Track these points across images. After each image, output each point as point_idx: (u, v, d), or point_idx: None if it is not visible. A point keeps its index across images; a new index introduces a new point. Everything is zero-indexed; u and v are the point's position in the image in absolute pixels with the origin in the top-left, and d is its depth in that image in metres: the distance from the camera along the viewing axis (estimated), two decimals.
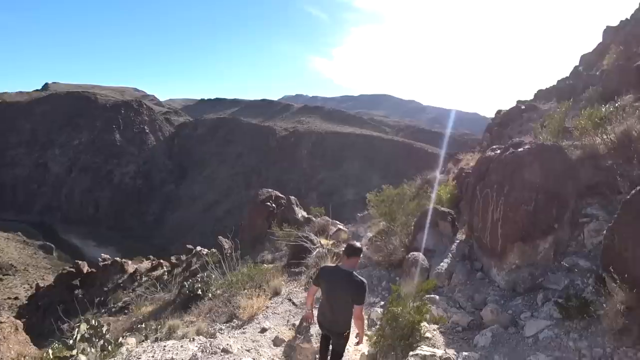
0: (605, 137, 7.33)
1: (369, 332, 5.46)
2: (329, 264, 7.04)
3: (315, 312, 4.44)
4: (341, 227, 13.95)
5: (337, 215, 15.63)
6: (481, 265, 7.26)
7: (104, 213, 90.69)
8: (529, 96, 21.19)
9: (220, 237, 18.04)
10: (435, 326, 5.77)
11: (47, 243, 67.32)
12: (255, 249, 15.17)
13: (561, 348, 4.50)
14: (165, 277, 18.94)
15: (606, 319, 4.21)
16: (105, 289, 21.82)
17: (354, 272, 3.87)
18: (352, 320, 3.92)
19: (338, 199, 67.45)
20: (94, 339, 6.50)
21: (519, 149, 7.10)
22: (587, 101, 10.43)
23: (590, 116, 7.92)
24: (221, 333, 6.84)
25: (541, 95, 19.56)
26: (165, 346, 5.75)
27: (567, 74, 20.49)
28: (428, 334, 5.26)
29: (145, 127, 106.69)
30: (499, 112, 20.22)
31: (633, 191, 4.63)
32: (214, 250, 16.68)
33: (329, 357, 4.32)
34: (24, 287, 42.22)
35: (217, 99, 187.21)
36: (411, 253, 7.97)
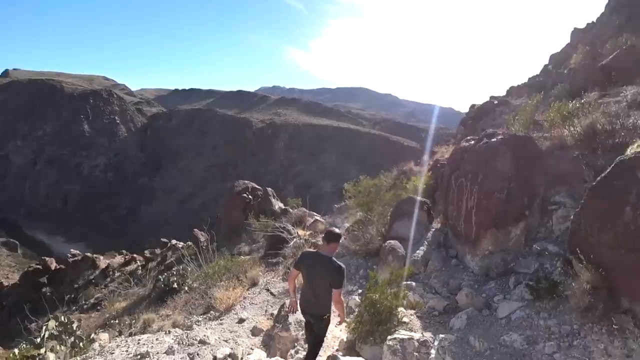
0: (572, 129, 7.66)
1: (347, 320, 5.51)
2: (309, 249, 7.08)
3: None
4: (318, 218, 13.97)
5: (314, 207, 15.66)
6: (456, 253, 7.46)
7: (73, 207, 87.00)
8: (501, 92, 21.93)
9: (196, 229, 17.73)
10: (412, 311, 5.90)
11: (11, 240, 63.92)
12: (231, 241, 15.00)
13: (532, 327, 4.71)
14: (140, 271, 18.43)
15: (573, 298, 4.43)
16: (76, 285, 21.00)
17: (333, 258, 3.97)
18: (332, 304, 4.00)
19: (315, 191, 67.66)
20: (63, 336, 6.26)
21: (493, 140, 7.28)
22: (555, 97, 10.89)
23: (559, 109, 8.27)
24: (198, 325, 6.75)
25: (513, 91, 20.28)
26: (139, 340, 5.60)
27: (538, 72, 21.31)
28: (405, 319, 5.37)
29: (116, 118, 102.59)
30: (473, 106, 20.78)
31: (599, 178, 4.84)
32: (189, 243, 16.37)
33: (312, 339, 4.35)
34: None
35: (191, 90, 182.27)
36: (388, 241, 8.08)
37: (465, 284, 6.26)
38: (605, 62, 11.45)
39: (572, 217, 5.33)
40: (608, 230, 4.43)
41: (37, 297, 20.10)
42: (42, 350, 5.38)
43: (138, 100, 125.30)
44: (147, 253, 22.79)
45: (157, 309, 9.35)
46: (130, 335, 6.76)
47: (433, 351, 4.57)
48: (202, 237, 15.83)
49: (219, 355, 4.70)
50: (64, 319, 7.06)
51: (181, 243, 18.77)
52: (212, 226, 14.79)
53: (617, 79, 9.90)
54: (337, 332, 5.84)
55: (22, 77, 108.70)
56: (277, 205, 16.36)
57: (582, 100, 8.51)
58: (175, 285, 10.54)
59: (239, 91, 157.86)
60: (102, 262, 22.91)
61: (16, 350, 5.13)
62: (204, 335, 5.48)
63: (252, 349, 5.38)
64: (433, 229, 8.54)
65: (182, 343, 5.32)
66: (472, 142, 8.06)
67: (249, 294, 8.00)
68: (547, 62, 21.46)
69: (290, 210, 15.20)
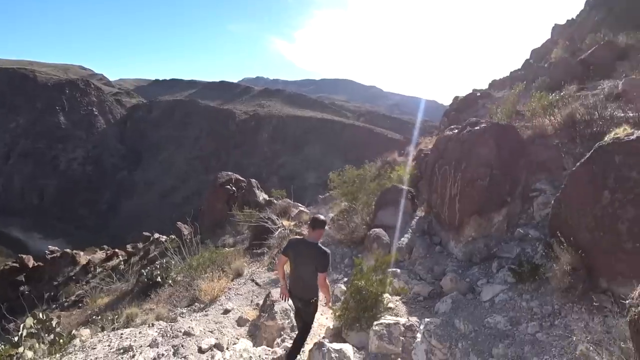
0: (552, 119, 7.83)
1: (333, 307, 5.53)
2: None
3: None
4: (303, 208, 13.92)
5: (299, 199, 15.59)
6: (440, 240, 7.57)
7: (50, 202, 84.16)
8: (484, 86, 22.26)
9: (179, 222, 17.45)
10: (398, 297, 5.96)
11: None
12: (215, 234, 14.84)
13: (515, 308, 4.83)
14: (122, 266, 18.08)
15: (554, 280, 4.55)
16: (55, 283, 20.44)
17: (319, 244, 4.10)
18: (319, 288, 4.12)
19: (300, 183, 67.52)
20: (42, 334, 6.10)
21: (476, 128, 7.38)
22: (536, 90, 11.13)
23: (540, 99, 8.46)
24: (182, 317, 6.65)
25: (495, 84, 20.62)
26: (122, 334, 5.49)
27: (519, 66, 21.69)
28: (391, 305, 5.42)
29: (94, 109, 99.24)
30: (456, 98, 21.01)
31: (578, 163, 4.96)
32: (173, 236, 16.11)
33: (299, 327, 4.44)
34: None
35: (172, 80, 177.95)
36: (373, 230, 8.13)
37: (449, 270, 6.37)
38: (584, 56, 11.77)
39: (552, 202, 5.46)
40: (587, 214, 4.55)
41: (14, 296, 19.45)
42: (20, 349, 5.22)
43: (117, 91, 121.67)
44: (129, 248, 22.33)
45: (140, 304, 9.18)
46: (113, 330, 6.62)
47: (419, 335, 4.63)
48: (185, 230, 15.58)
49: (204, 346, 4.64)
50: (42, 316, 6.86)
51: (164, 237, 18.46)
52: (195, 219, 14.58)
53: (595, 73, 10.18)
54: (323, 320, 5.85)
55: None
56: (262, 196, 16.22)
57: (562, 93, 8.71)
58: (158, 279, 10.36)
59: (222, 82, 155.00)
60: (83, 258, 22.34)
61: None
62: (189, 327, 5.40)
63: (238, 339, 5.34)
64: (417, 217, 8.64)
65: (166, 335, 5.23)
66: (456, 130, 8.14)
67: (233, 284, 7.93)
68: (528, 57, 21.89)
69: (275, 201, 15.10)
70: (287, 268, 4.54)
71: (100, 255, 23.04)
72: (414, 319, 5.04)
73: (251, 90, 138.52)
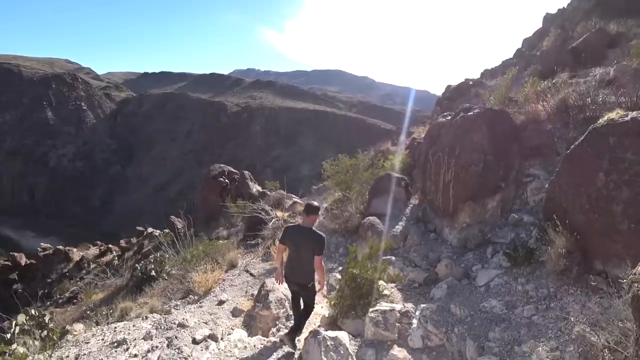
0: (545, 104, 7.82)
1: (328, 296, 5.51)
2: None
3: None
4: (296, 199, 13.85)
5: (292, 190, 15.49)
6: (434, 227, 7.56)
7: (42, 200, 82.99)
8: (476, 75, 22.20)
9: (172, 216, 17.31)
10: (393, 284, 5.94)
11: None
12: (209, 226, 14.75)
13: (510, 292, 4.84)
14: (116, 262, 17.94)
15: (549, 263, 4.55)
16: (49, 280, 20.24)
17: (314, 228, 4.24)
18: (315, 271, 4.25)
19: (293, 174, 67.27)
20: (35, 330, 6.04)
21: (469, 113, 7.33)
22: (528, 77, 11.13)
23: (533, 84, 8.44)
24: (176, 309, 6.60)
25: (487, 74, 20.60)
26: (116, 327, 5.44)
27: (511, 56, 21.66)
28: (386, 292, 5.39)
29: (82, 104, 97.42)
30: (448, 87, 20.95)
31: (572, 146, 4.93)
32: (167, 230, 15.99)
33: (301, 309, 4.57)
34: None
35: (162, 73, 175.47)
36: (367, 218, 8.09)
37: (444, 256, 6.36)
38: (575, 44, 11.77)
39: (547, 186, 5.44)
40: (582, 196, 4.54)
41: (7, 294, 19.23)
42: (13, 347, 5.15)
43: (106, 85, 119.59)
44: (123, 243, 22.15)
45: (135, 298, 9.11)
46: (108, 324, 6.55)
47: (415, 321, 4.62)
48: (179, 224, 15.48)
49: (198, 337, 4.59)
50: (35, 313, 6.77)
51: (158, 231, 18.33)
52: (189, 212, 14.45)
53: (586, 61, 10.19)
54: (318, 309, 5.82)
55: None
56: (255, 188, 16.10)
57: (554, 80, 8.71)
58: (153, 273, 10.31)
59: (212, 74, 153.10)
60: (76, 254, 22.11)
61: None
62: (183, 319, 5.35)
63: (233, 329, 5.29)
64: (411, 205, 8.62)
65: (160, 327, 5.18)
66: (449, 117, 8.10)
67: (228, 276, 7.86)
68: (520, 46, 21.90)
69: (269, 193, 14.99)
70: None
71: (93, 251, 22.83)
72: (409, 305, 5.03)
73: (242, 82, 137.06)
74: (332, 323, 5.16)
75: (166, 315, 5.68)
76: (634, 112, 4.43)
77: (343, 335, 4.32)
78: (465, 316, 4.60)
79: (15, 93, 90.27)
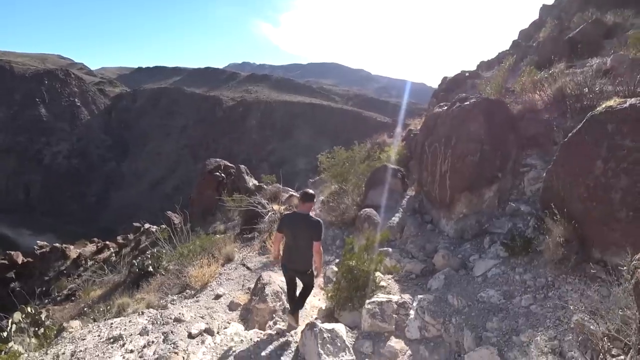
0: (542, 93, 7.77)
1: (325, 289, 5.47)
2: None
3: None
4: (293, 193, 13.79)
5: (289, 184, 15.41)
6: (431, 218, 7.52)
7: (37, 198, 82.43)
8: (472, 67, 22.04)
9: (169, 212, 17.23)
10: (390, 276, 5.92)
11: None
12: (206, 221, 14.69)
13: (508, 282, 4.81)
14: (113, 258, 17.89)
15: (547, 252, 4.53)
16: (47, 278, 20.16)
17: (310, 214, 4.28)
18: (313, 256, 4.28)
19: (290, 168, 67.10)
20: (32, 328, 6.02)
21: (466, 103, 7.25)
22: (525, 67, 11.07)
23: (530, 73, 8.38)
24: (173, 304, 6.56)
25: (483, 65, 20.47)
26: (112, 323, 5.41)
27: (507, 47, 21.51)
28: (383, 283, 5.37)
29: (76, 100, 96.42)
30: (445, 78, 20.82)
31: (570, 134, 4.88)
32: (163, 225, 15.92)
33: (297, 295, 4.65)
34: None
35: (156, 67, 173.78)
36: (363, 210, 8.05)
37: (441, 247, 6.33)
38: (572, 35, 11.71)
39: (544, 174, 5.40)
40: (580, 184, 4.50)
41: (4, 293, 19.15)
42: (10, 344, 5.12)
43: (99, 80, 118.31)
44: (120, 239, 22.06)
45: (132, 294, 9.09)
46: (104, 320, 6.52)
47: (412, 312, 4.59)
48: (175, 219, 15.39)
49: (194, 331, 4.56)
50: (31, 310, 6.72)
51: (155, 227, 18.25)
52: (185, 207, 14.39)
53: (583, 51, 10.14)
54: (315, 302, 5.80)
55: None
56: (251, 182, 16.03)
57: (550, 71, 8.65)
58: (150, 269, 10.28)
59: (207, 68, 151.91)
60: (73, 251, 22.03)
61: None
62: (179, 313, 5.32)
63: (229, 323, 5.26)
64: (408, 196, 8.59)
65: (157, 323, 5.16)
66: (445, 107, 8.02)
67: (224, 270, 7.83)
68: (516, 38, 21.74)
69: (265, 186, 14.92)
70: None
71: (90, 248, 22.74)
72: (406, 297, 5.00)
73: (237, 76, 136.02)
74: (329, 315, 5.13)
75: (162, 310, 5.64)
76: (633, 99, 4.38)
77: (340, 328, 4.29)
78: (462, 306, 4.58)
79: (7, 90, 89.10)
